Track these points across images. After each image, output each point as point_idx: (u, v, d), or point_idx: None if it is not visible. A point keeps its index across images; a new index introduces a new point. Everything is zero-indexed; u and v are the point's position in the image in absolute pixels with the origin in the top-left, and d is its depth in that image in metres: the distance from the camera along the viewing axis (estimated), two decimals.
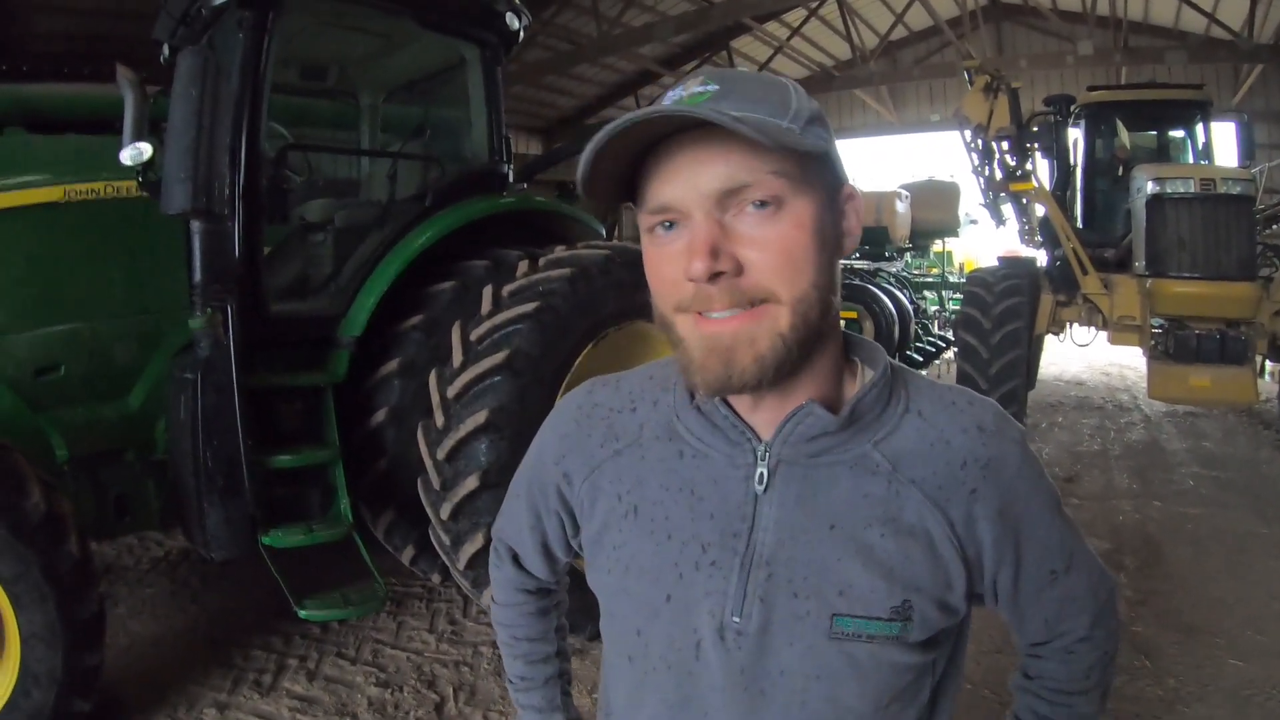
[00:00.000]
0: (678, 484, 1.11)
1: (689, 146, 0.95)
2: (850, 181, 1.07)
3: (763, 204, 0.94)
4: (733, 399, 1.07)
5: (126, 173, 3.48)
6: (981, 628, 4.01)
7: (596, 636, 1.24)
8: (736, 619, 1.05)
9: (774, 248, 0.95)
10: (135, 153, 3.32)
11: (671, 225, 0.98)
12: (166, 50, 4.17)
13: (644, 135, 0.95)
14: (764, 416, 1.07)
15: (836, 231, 1.03)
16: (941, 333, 14.45)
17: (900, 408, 1.08)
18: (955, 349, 9.17)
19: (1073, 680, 1.21)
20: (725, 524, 1.07)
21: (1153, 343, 7.75)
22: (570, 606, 1.55)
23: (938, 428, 1.07)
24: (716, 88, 0.95)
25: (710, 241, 0.93)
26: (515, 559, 1.43)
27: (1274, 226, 11.16)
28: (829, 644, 1.03)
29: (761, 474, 1.06)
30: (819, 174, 1.00)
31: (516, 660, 1.48)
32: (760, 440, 1.07)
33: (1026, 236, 10.09)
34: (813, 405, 1.04)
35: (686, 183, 0.95)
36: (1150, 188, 7.57)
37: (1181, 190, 7.45)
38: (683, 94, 0.97)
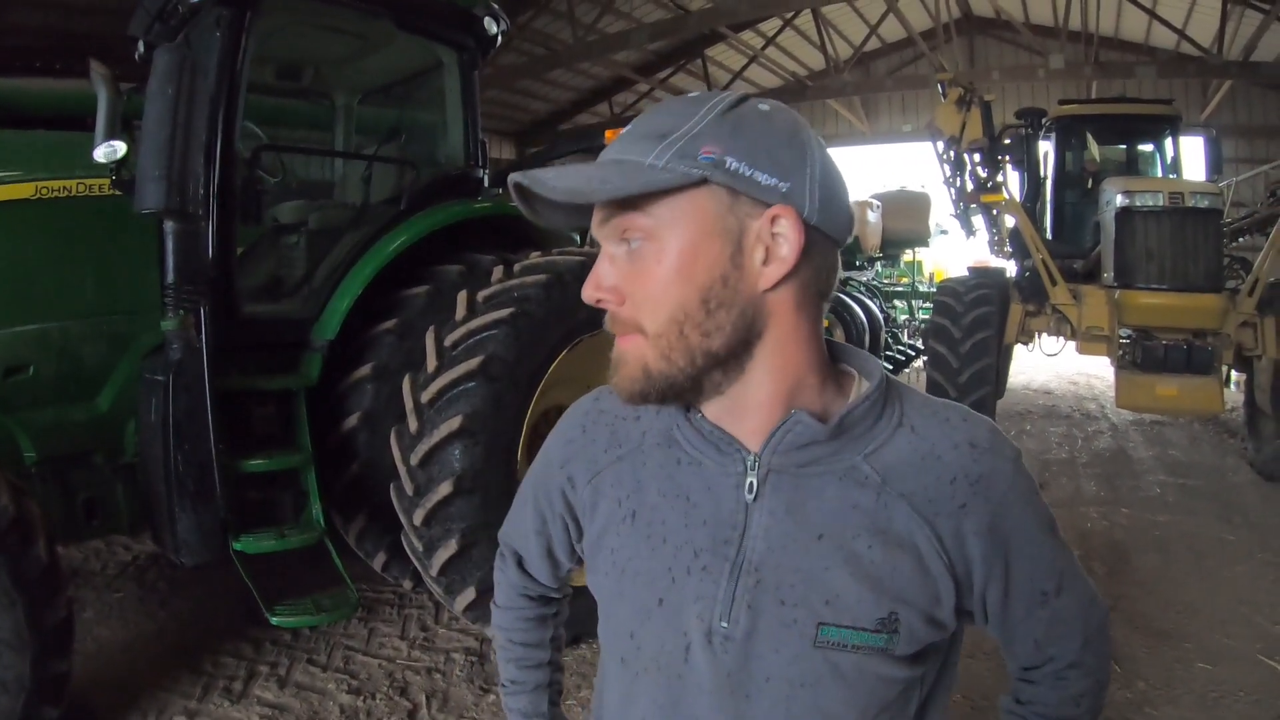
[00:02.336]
0: (674, 490, 1.12)
1: None
2: (777, 203, 0.97)
3: (630, 241, 0.99)
4: (706, 411, 1.09)
5: (99, 170, 3.44)
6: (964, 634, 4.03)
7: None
8: (724, 624, 1.05)
9: (636, 282, 1.00)
10: (109, 150, 3.29)
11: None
12: (141, 47, 4.14)
13: None
14: (754, 427, 1.07)
15: (734, 259, 0.98)
16: (911, 341, 14.52)
17: (893, 421, 1.08)
18: (925, 358, 9.23)
19: (1063, 706, 1.20)
20: (717, 530, 1.07)
21: (1120, 353, 7.83)
22: (566, 616, 1.56)
23: (929, 442, 1.07)
24: (631, 125, 1.00)
25: (596, 275, 1.03)
26: (519, 563, 1.44)
27: (1240, 239, 11.33)
28: (814, 652, 1.03)
29: (751, 483, 1.06)
30: (710, 201, 0.97)
31: (509, 664, 1.49)
32: (749, 450, 1.07)
33: (996, 247, 10.20)
34: (800, 414, 1.04)
35: (595, 218, 1.03)
36: (1120, 200, 7.65)
37: (1150, 203, 7.54)
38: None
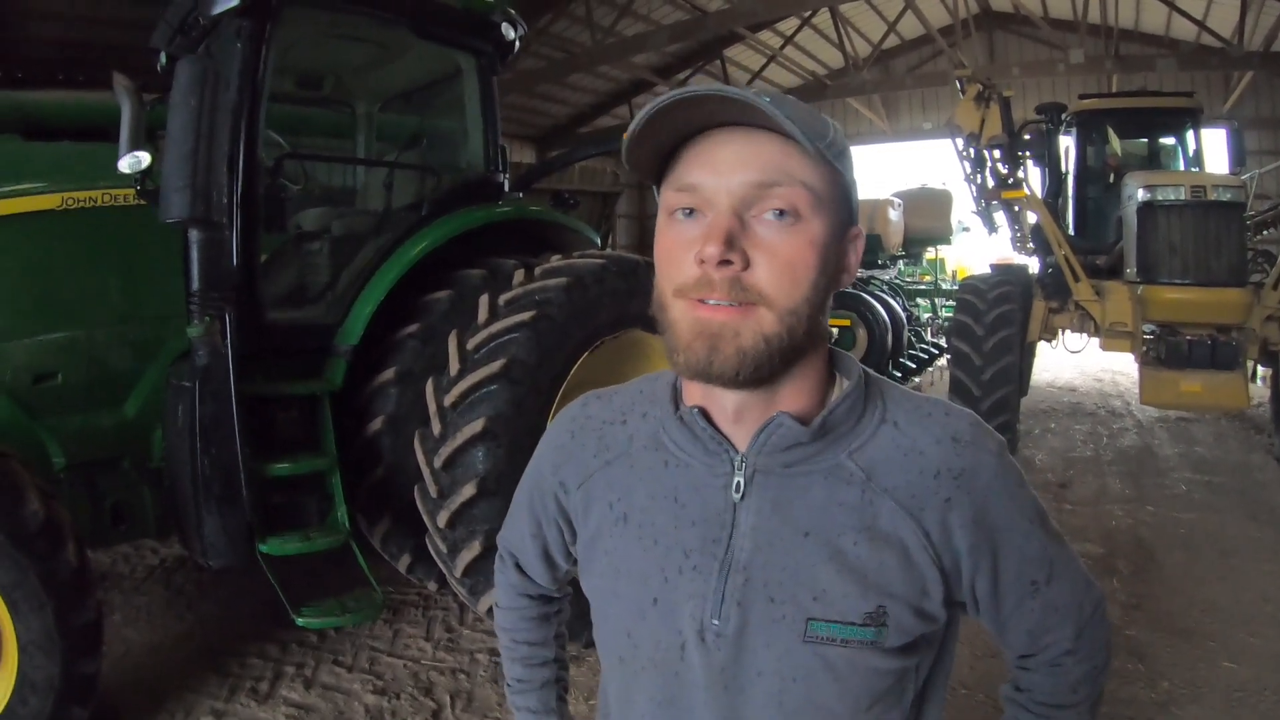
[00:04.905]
0: (663, 492, 1.14)
1: (731, 139, 1.00)
2: (858, 224, 1.10)
3: (782, 213, 0.98)
4: (714, 411, 1.11)
5: (124, 180, 3.48)
6: (976, 632, 4.02)
7: (591, 644, 1.28)
8: (716, 621, 1.08)
9: (782, 256, 0.98)
10: (134, 161, 3.33)
11: (692, 212, 1.01)
12: (164, 58, 4.19)
13: (696, 117, 1.00)
14: (745, 428, 1.09)
15: (839, 263, 1.07)
16: (934, 340, 14.47)
17: (876, 418, 1.10)
18: (948, 356, 9.20)
19: (1059, 694, 1.22)
20: (706, 530, 1.10)
21: (1144, 349, 7.77)
22: (568, 614, 1.59)
23: (912, 438, 1.09)
24: (768, 100, 0.98)
25: (728, 231, 0.97)
26: (518, 565, 1.47)
27: (1265, 232, 11.21)
28: (804, 647, 1.06)
29: (738, 483, 1.09)
30: (837, 204, 1.04)
31: (515, 663, 1.52)
32: (737, 450, 1.10)
33: (1019, 244, 10.12)
34: (783, 417, 1.07)
35: (720, 170, 0.99)
36: (1141, 195, 7.59)
37: (1172, 197, 7.47)
38: None
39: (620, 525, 1.17)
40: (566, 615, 1.58)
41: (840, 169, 1.03)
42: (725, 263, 0.96)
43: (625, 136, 1.02)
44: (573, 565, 1.41)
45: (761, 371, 1.00)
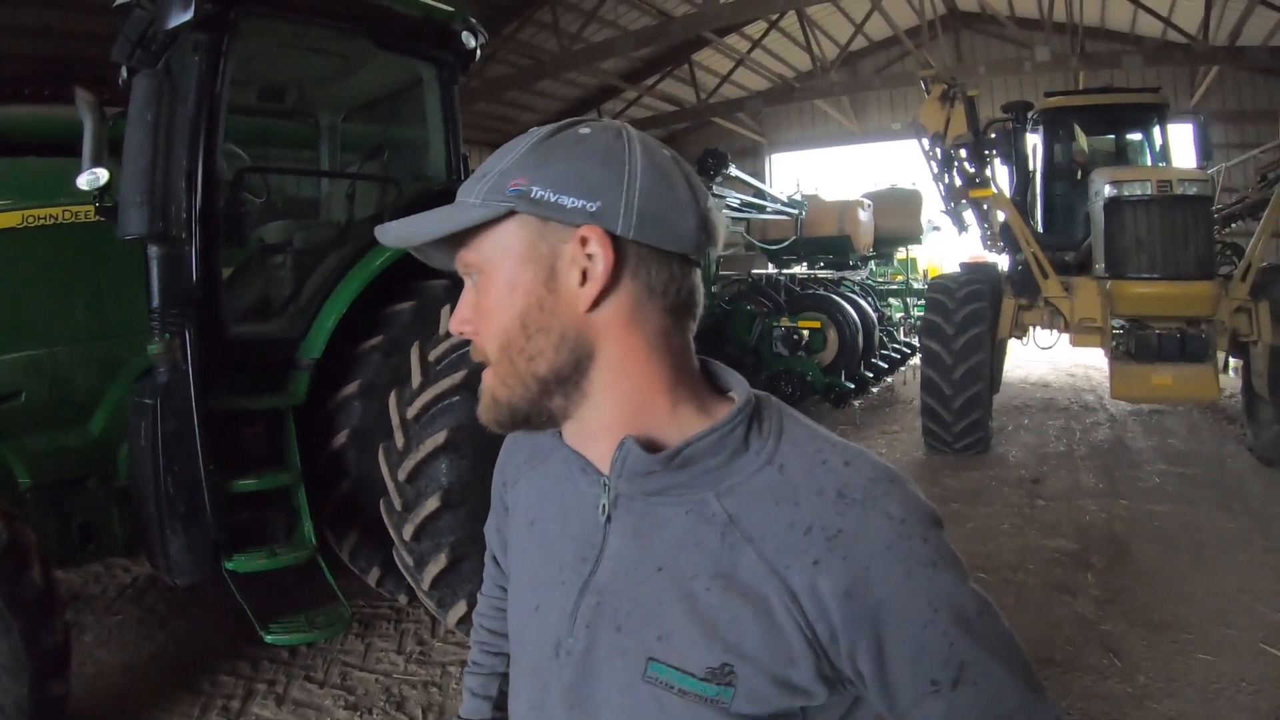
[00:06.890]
0: (557, 504, 1.14)
1: None
2: (584, 224, 0.97)
3: (476, 276, 1.03)
4: (565, 434, 1.11)
5: (85, 197, 3.45)
6: None
7: None
8: (570, 639, 1.06)
9: (478, 314, 1.04)
10: (92, 178, 3.31)
11: None
12: (125, 73, 4.16)
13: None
14: (597, 451, 1.07)
15: (548, 283, 0.99)
16: (907, 340, 14.53)
17: (761, 459, 1.00)
18: (920, 355, 9.25)
19: None
20: (578, 548, 1.09)
21: (1114, 343, 7.85)
22: None
23: (792, 486, 0.97)
24: (439, 216, 1.04)
25: (461, 310, 1.06)
26: (494, 555, 1.48)
27: (1233, 225, 11.33)
28: (643, 686, 1.00)
29: (603, 505, 1.06)
30: (521, 230, 0.99)
31: (475, 646, 1.54)
32: (602, 473, 1.07)
33: (989, 242, 10.20)
34: (630, 442, 1.01)
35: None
36: (1108, 190, 7.67)
37: (1139, 193, 7.55)
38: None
39: (529, 529, 1.19)
40: None
41: (496, 196, 0.98)
42: (464, 334, 1.06)
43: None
44: None
45: (508, 424, 1.07)
